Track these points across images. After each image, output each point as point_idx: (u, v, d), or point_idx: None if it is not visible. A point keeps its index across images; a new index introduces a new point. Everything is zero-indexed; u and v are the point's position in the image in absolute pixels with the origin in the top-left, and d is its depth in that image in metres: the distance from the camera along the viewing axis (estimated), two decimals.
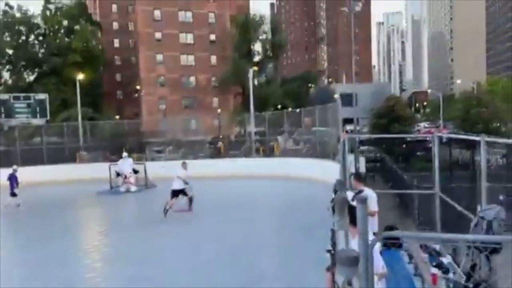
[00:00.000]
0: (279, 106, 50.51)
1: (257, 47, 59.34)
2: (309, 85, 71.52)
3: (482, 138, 5.69)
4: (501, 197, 6.30)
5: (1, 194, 15.06)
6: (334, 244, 3.27)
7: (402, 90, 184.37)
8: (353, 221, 3.23)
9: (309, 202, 13.36)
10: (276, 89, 56.15)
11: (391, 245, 6.22)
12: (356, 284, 2.15)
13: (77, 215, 14.82)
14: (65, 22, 54.68)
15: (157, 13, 53.25)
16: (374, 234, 4.21)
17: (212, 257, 9.01)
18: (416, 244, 6.37)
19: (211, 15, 54.99)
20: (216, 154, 25.40)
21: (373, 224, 5.75)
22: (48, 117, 30.05)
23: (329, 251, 3.40)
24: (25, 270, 8.67)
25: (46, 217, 14.14)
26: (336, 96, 37.71)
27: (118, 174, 18.25)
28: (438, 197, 7.36)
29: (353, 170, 8.73)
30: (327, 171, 14.48)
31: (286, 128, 24.68)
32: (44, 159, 22.78)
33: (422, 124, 54.52)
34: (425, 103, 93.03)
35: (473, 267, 3.96)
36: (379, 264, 3.90)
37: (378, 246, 4.47)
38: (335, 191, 4.45)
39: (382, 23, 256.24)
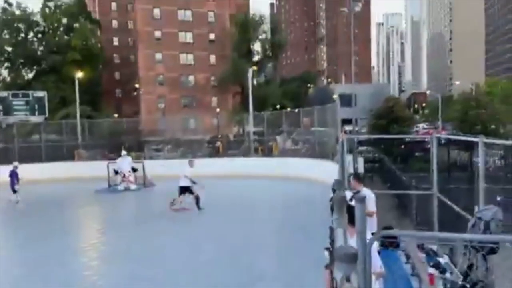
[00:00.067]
0: (278, 106, 50.53)
1: (257, 46, 59.40)
2: (308, 85, 71.55)
3: (480, 140, 5.71)
4: (498, 198, 6.33)
5: (1, 191, 15.09)
6: (332, 242, 3.29)
7: (401, 91, 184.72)
8: (351, 221, 3.24)
9: (307, 202, 13.39)
10: (275, 89, 56.16)
11: (389, 244, 6.25)
12: (355, 281, 2.17)
13: (75, 213, 14.81)
14: (64, 20, 54.54)
15: (156, 11, 53.22)
16: (372, 234, 4.22)
17: (211, 257, 9.02)
18: (413, 244, 6.39)
19: (211, 14, 54.98)
20: (215, 153, 25.40)
21: (372, 225, 5.77)
22: (47, 115, 30.00)
23: (327, 248, 3.43)
24: (23, 268, 8.66)
25: (44, 215, 14.14)
26: (335, 96, 37.78)
27: (116, 172, 18.23)
28: (436, 198, 7.38)
29: (351, 170, 8.75)
30: (325, 171, 14.50)
31: (285, 128, 24.70)
32: (43, 156, 22.76)
33: (420, 125, 54.64)
34: (424, 104, 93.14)
35: (470, 267, 3.98)
36: (376, 263, 3.93)
37: (376, 246, 4.49)
38: (334, 191, 4.47)
39: (382, 24, 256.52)
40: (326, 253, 3.42)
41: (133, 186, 18.04)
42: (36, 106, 29.44)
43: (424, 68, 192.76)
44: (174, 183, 14.75)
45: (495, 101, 39.62)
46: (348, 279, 2.17)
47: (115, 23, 66.09)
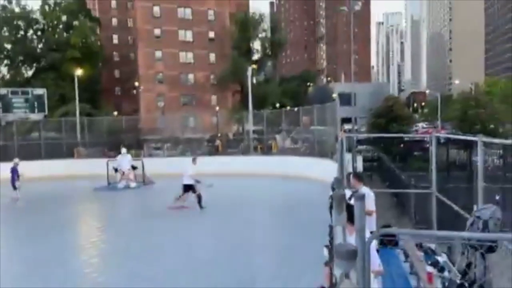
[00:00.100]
0: (277, 105, 50.53)
1: (256, 45, 59.38)
2: (308, 84, 71.55)
3: (479, 139, 5.73)
4: (497, 197, 6.35)
5: (1, 188, 15.13)
6: (331, 239, 3.31)
7: (400, 90, 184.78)
8: (350, 219, 3.26)
9: (306, 201, 13.41)
10: (275, 87, 56.15)
11: (387, 242, 6.28)
12: (354, 277, 2.19)
13: (75, 211, 14.82)
14: (64, 18, 54.45)
15: (156, 9, 53.16)
16: (371, 233, 4.24)
17: (211, 255, 9.04)
18: (412, 242, 6.42)
19: (211, 12, 54.92)
20: (214, 151, 25.42)
21: (371, 224, 5.78)
22: (46, 112, 30.00)
23: (327, 246, 3.45)
24: (23, 266, 8.66)
25: (44, 212, 14.13)
26: (335, 95, 37.80)
27: (116, 170, 18.23)
28: (435, 197, 7.41)
29: (350, 169, 8.76)
30: (325, 170, 14.52)
31: (284, 126, 24.72)
32: (42, 154, 22.76)
33: (420, 124, 54.68)
34: (423, 104, 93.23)
35: (468, 265, 4.00)
36: (375, 261, 3.95)
37: (374, 244, 4.51)
38: (333, 189, 4.48)
39: (382, 23, 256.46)
40: (326, 250, 3.44)
41: (133, 184, 18.04)
42: (36, 104, 29.45)
43: (424, 67, 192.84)
44: (173, 181, 14.77)
45: (494, 100, 39.68)
46: (347, 276, 2.19)
47: (114, 21, 65.95)
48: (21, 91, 30.99)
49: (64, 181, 19.37)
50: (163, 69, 53.81)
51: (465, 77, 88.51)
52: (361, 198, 2.35)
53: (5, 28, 51.93)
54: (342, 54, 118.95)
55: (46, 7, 53.98)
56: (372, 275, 2.83)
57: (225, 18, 55.16)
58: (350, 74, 50.34)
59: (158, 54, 53.52)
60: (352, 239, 2.75)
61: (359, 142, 21.72)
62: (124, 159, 18.20)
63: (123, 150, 18.57)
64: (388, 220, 9.73)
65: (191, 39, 54.51)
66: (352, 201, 2.94)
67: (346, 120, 31.88)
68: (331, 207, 4.23)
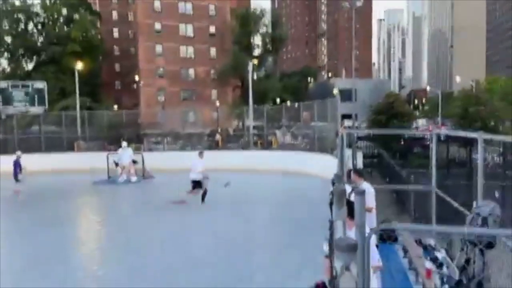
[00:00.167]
0: (278, 100, 50.47)
1: (257, 40, 59.15)
2: (309, 79, 71.41)
3: (479, 136, 5.73)
4: (496, 194, 6.37)
5: (1, 181, 15.18)
6: (332, 234, 3.33)
7: (401, 87, 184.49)
8: (350, 214, 3.27)
9: (306, 196, 13.43)
10: (275, 83, 56.05)
11: (387, 238, 6.30)
12: (354, 270, 2.21)
13: (75, 205, 14.84)
14: (64, 11, 54.30)
15: (157, 3, 52.99)
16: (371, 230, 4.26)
17: (211, 249, 9.07)
18: (411, 238, 6.44)
19: (211, 7, 54.73)
20: (214, 146, 25.42)
21: (371, 220, 5.79)
22: (47, 106, 29.96)
23: (327, 240, 3.48)
24: (23, 260, 8.68)
25: (44, 206, 14.15)
26: (336, 91, 37.75)
27: (117, 164, 18.24)
28: (435, 194, 7.42)
29: (350, 165, 8.77)
30: (325, 165, 14.53)
31: (285, 122, 24.70)
32: (42, 148, 22.77)
33: (420, 121, 54.56)
34: (424, 100, 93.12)
35: (467, 261, 4.02)
36: (374, 257, 3.97)
37: (374, 240, 4.53)
38: (334, 185, 4.49)
39: (383, 20, 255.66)
40: (325, 244, 3.47)
41: (133, 178, 18.05)
42: (36, 97, 29.40)
43: (425, 64, 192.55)
44: (173, 176, 14.79)
45: (495, 98, 39.67)
46: (348, 268, 2.21)
47: (115, 14, 65.71)
48: (21, 84, 30.92)
49: (64, 175, 19.38)
50: (164, 64, 53.70)
51: (466, 74, 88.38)
52: (362, 193, 2.36)
53: (5, 21, 51.78)
54: (343, 50, 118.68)
55: (47, 1, 53.85)
56: (371, 270, 2.85)
57: (226, 13, 54.97)
58: (351, 70, 50.27)
59: (159, 48, 53.39)
60: (352, 234, 2.76)
61: (359, 138, 21.72)
62: (125, 153, 18.18)
63: (124, 144, 18.53)
64: (387, 217, 9.76)
65: (191, 34, 54.35)
66: (352, 197, 2.95)
67: (346, 116, 31.88)
68: (331, 203, 4.24)
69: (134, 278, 7.53)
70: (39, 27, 54.59)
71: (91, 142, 24.31)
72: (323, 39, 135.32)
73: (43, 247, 9.34)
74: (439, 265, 5.34)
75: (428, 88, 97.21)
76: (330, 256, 3.24)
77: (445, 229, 3.74)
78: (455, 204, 6.57)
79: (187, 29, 54.25)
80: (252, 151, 22.06)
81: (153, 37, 52.62)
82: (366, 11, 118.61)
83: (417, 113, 66.25)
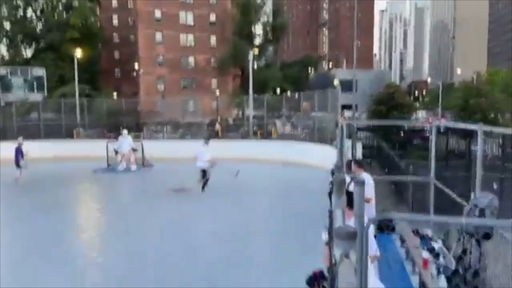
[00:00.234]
0: (278, 90, 50.30)
1: (258, 29, 58.73)
2: (309, 69, 71.10)
3: (479, 127, 5.74)
4: (495, 186, 6.40)
5: (1, 168, 15.22)
6: (331, 222, 3.36)
7: (402, 78, 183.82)
8: (350, 204, 3.30)
9: (306, 186, 13.48)
10: (276, 72, 55.81)
11: (384, 228, 6.34)
12: (353, 257, 2.24)
13: (74, 192, 14.92)
14: None
15: None
16: (369, 219, 4.29)
17: (210, 236, 9.15)
18: (408, 228, 6.49)
19: None
20: (214, 136, 25.39)
21: (370, 211, 5.82)
22: (46, 93, 29.86)
23: (326, 228, 3.52)
24: (23, 246, 8.75)
25: (43, 193, 14.21)
26: (336, 82, 37.64)
27: (116, 152, 18.24)
28: (433, 185, 7.45)
29: (350, 155, 8.79)
30: (324, 156, 14.57)
31: (285, 112, 24.67)
32: (41, 135, 22.76)
33: (420, 114, 54.41)
34: (424, 92, 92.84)
35: (464, 252, 4.07)
36: (372, 246, 4.01)
37: (372, 230, 4.57)
38: (333, 175, 4.51)
39: (385, 10, 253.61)
40: (325, 232, 3.51)
41: (133, 167, 18.08)
42: (35, 84, 29.33)
43: (426, 55, 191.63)
44: (172, 164, 14.78)
45: (495, 90, 39.58)
46: (347, 256, 2.25)
47: (114, 2, 64.84)
48: (20, 71, 30.79)
49: (63, 162, 19.40)
50: (164, 52, 53.39)
51: (467, 66, 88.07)
52: (361, 183, 2.38)
53: (4, 7, 51.30)
54: (344, 40, 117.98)
55: None
56: (368, 260, 2.88)
57: (227, 1, 54.48)
58: (352, 60, 50.04)
59: (159, 36, 53.02)
60: (350, 223, 2.79)
61: (359, 129, 21.70)
62: (125, 141, 18.17)
63: (124, 131, 18.52)
64: (386, 207, 9.81)
65: (192, 22, 53.93)
66: (351, 187, 2.97)
67: (346, 107, 31.82)
68: (330, 193, 4.27)
69: (134, 265, 7.60)
70: (38, 13, 54.13)
71: (90, 129, 24.30)
72: (324, 29, 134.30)
73: (43, 234, 9.40)
74: (436, 255, 5.39)
75: (429, 79, 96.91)
76: (329, 243, 3.28)
77: (442, 219, 3.77)
78: (453, 195, 6.61)
79: (187, 17, 53.81)
80: (252, 141, 22.04)
81: (153, 24, 52.21)
82: (368, 1, 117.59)
83: (417, 104, 66.04)
